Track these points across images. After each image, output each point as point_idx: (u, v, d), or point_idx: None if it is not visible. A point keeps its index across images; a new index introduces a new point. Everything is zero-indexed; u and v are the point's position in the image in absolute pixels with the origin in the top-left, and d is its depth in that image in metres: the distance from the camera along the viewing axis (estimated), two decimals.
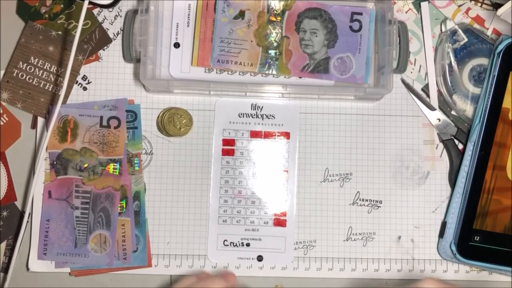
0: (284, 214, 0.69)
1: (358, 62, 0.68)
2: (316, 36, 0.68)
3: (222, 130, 0.69)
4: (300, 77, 0.68)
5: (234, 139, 0.69)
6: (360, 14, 0.68)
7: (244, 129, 0.69)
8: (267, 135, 0.69)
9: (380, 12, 0.68)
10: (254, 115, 0.69)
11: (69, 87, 0.69)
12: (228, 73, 0.68)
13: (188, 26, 0.68)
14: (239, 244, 0.68)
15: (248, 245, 0.68)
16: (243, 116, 0.69)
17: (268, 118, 0.69)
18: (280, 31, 0.68)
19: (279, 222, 0.68)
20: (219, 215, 0.68)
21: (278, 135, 0.69)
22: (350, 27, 0.68)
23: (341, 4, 0.68)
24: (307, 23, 0.68)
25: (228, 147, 0.69)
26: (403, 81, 0.70)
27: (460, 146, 0.70)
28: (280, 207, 0.69)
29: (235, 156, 0.69)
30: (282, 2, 0.68)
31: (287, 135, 0.69)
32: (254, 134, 0.69)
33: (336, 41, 0.68)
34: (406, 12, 0.71)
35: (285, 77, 0.68)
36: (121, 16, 0.70)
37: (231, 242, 0.68)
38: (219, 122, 0.69)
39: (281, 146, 0.69)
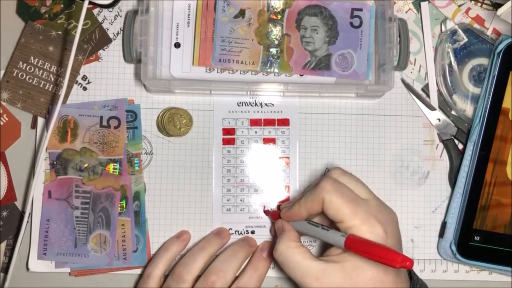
0: (288, 200, 0.69)
1: (360, 58, 0.68)
2: (317, 33, 0.68)
3: (221, 119, 0.69)
4: (301, 75, 0.68)
5: (234, 128, 0.69)
6: (360, 10, 0.68)
7: (244, 117, 0.69)
8: (267, 122, 0.69)
9: (380, 9, 0.68)
10: (253, 103, 0.70)
11: (69, 87, 0.69)
12: (229, 72, 0.68)
13: (188, 26, 0.68)
14: (244, 232, 0.68)
15: (253, 232, 0.68)
16: (242, 105, 0.69)
17: (267, 106, 0.70)
18: (280, 29, 0.68)
19: (272, 215, 0.68)
20: (222, 204, 0.69)
21: (277, 122, 0.69)
22: (351, 23, 0.68)
23: (341, 1, 0.69)
24: (308, 20, 0.68)
25: (229, 136, 0.69)
26: (403, 81, 0.70)
27: (460, 146, 0.70)
28: (282, 193, 0.69)
29: (236, 145, 0.69)
30: (282, 1, 0.68)
31: (286, 121, 0.69)
32: (254, 122, 0.69)
33: (337, 37, 0.68)
34: (406, 12, 0.71)
35: (286, 75, 0.68)
36: (121, 16, 0.70)
37: (236, 231, 0.68)
38: (218, 111, 0.69)
39: (281, 132, 0.69)
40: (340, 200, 0.55)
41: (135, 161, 0.68)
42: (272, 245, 0.67)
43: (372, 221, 0.55)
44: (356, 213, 0.55)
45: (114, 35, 0.70)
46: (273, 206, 0.69)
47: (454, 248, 0.67)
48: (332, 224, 0.58)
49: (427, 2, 0.71)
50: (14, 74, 0.69)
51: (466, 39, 0.69)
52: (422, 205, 0.70)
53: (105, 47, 0.70)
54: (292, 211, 0.60)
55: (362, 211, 0.55)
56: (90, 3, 0.68)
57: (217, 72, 0.68)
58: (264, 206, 0.69)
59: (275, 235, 0.64)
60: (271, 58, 0.68)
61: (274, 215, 0.66)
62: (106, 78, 0.70)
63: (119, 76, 0.70)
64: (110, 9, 0.70)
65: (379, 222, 0.55)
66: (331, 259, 0.56)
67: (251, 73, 0.68)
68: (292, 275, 0.57)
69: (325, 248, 0.60)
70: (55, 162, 0.68)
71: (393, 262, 0.50)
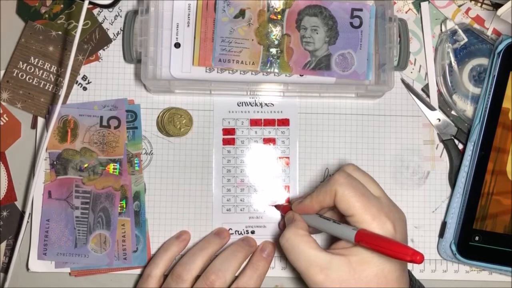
0: (287, 201, 0.69)
1: (360, 58, 0.68)
2: (317, 33, 0.68)
3: (221, 119, 0.69)
4: (301, 75, 0.68)
5: (234, 128, 0.69)
6: (360, 10, 0.68)
7: (244, 117, 0.69)
8: (267, 122, 0.69)
9: (380, 9, 0.68)
10: (253, 103, 0.70)
11: (69, 87, 0.69)
12: (229, 72, 0.68)
13: (188, 26, 0.68)
14: (244, 232, 0.69)
15: (253, 232, 0.69)
16: (242, 105, 0.69)
17: (267, 106, 0.70)
18: (280, 29, 0.68)
19: (283, 208, 0.68)
20: (222, 204, 0.69)
21: (278, 122, 0.69)
22: (351, 23, 0.68)
23: (341, 1, 0.69)
24: (308, 20, 0.68)
25: (229, 136, 0.69)
26: (403, 81, 0.70)
27: (460, 146, 0.70)
28: (282, 193, 0.69)
29: (236, 145, 0.69)
30: (282, 1, 0.68)
31: (286, 121, 0.69)
32: (254, 122, 0.69)
33: (337, 37, 0.68)
34: (406, 12, 0.71)
35: (286, 75, 0.68)
36: (121, 16, 0.70)
37: (236, 231, 0.68)
38: (218, 111, 0.69)
39: (281, 132, 0.69)
40: (353, 193, 0.55)
41: (135, 161, 0.68)
42: (272, 245, 0.67)
43: (382, 218, 0.55)
44: (368, 208, 0.55)
45: (114, 35, 0.70)
46: (273, 204, 0.69)
47: (454, 248, 0.67)
48: (342, 219, 0.58)
49: (427, 2, 0.71)
50: (14, 74, 0.69)
51: (466, 39, 0.69)
52: (422, 205, 0.70)
53: (105, 47, 0.70)
54: (304, 203, 0.60)
55: (373, 206, 0.55)
56: (90, 3, 0.68)
57: (217, 72, 0.68)
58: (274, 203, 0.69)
59: (284, 229, 0.65)
60: (271, 58, 0.68)
61: (285, 209, 0.66)
62: (106, 78, 0.70)
63: (119, 76, 0.70)
64: (110, 9, 0.70)
65: (389, 219, 0.55)
66: (338, 252, 0.56)
67: (251, 73, 0.68)
68: (297, 264, 0.57)
69: (330, 243, 0.60)
70: (55, 162, 0.68)
71: (404, 255, 0.50)
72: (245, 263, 0.65)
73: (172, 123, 0.69)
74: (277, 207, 0.69)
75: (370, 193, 0.57)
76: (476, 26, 0.71)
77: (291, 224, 0.60)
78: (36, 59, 0.69)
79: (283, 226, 0.66)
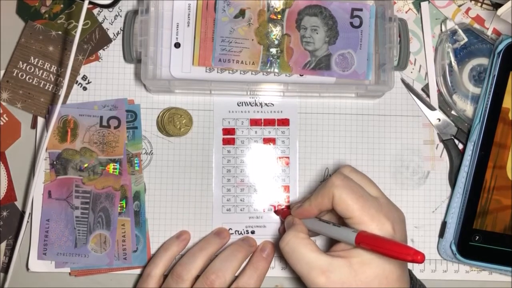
0: (287, 202, 0.69)
1: (360, 58, 0.68)
2: (317, 33, 0.68)
3: (221, 119, 0.69)
4: (301, 75, 0.68)
5: (234, 128, 0.69)
6: (360, 10, 0.68)
7: (244, 117, 0.69)
8: (267, 122, 0.69)
9: (380, 9, 0.68)
10: (253, 103, 0.70)
11: (69, 87, 0.69)
12: (229, 72, 0.68)
13: (188, 26, 0.68)
14: (244, 232, 0.69)
15: (253, 232, 0.69)
16: (242, 105, 0.69)
17: (267, 106, 0.70)
18: (280, 29, 0.68)
19: (282, 213, 0.68)
20: (222, 204, 0.69)
21: (277, 122, 0.69)
22: (351, 23, 0.68)
23: (341, 1, 0.69)
24: (308, 20, 0.68)
25: (229, 136, 0.69)
26: (403, 81, 0.70)
27: (460, 146, 0.70)
28: (282, 193, 0.69)
29: (236, 145, 0.69)
30: (282, 1, 0.68)
31: (286, 121, 0.69)
32: (254, 122, 0.69)
33: (337, 37, 0.68)
34: (406, 12, 0.71)
35: (286, 75, 0.68)
36: (121, 16, 0.70)
37: (236, 231, 0.68)
38: (218, 111, 0.69)
39: (281, 132, 0.69)
40: (350, 196, 0.55)
41: (135, 161, 0.68)
42: (272, 245, 0.67)
43: (381, 219, 0.55)
44: (366, 210, 0.55)
45: (114, 35, 0.70)
46: (275, 206, 0.69)
47: (454, 248, 0.67)
48: (341, 222, 0.58)
49: (427, 2, 0.71)
50: (14, 74, 0.69)
51: (466, 39, 0.69)
52: (422, 205, 0.70)
53: (105, 47, 0.70)
54: (302, 208, 0.60)
55: (371, 208, 0.55)
56: (90, 3, 0.68)
57: (217, 72, 0.68)
58: (275, 207, 0.69)
59: (284, 233, 0.65)
60: (271, 58, 0.68)
61: (284, 214, 0.66)
62: (106, 78, 0.70)
63: (119, 76, 0.70)
64: (110, 9, 0.70)
65: (388, 220, 0.55)
66: (338, 254, 0.56)
67: (251, 73, 0.68)
68: (297, 268, 0.56)
69: (329, 246, 0.60)
70: (55, 162, 0.68)
71: (405, 256, 0.50)
72: (245, 263, 0.65)
73: (172, 123, 0.69)
74: (277, 212, 0.69)
75: (368, 194, 0.57)
76: (476, 26, 0.71)
77: (291, 227, 0.60)
78: (36, 59, 0.69)
79: (283, 231, 0.66)
